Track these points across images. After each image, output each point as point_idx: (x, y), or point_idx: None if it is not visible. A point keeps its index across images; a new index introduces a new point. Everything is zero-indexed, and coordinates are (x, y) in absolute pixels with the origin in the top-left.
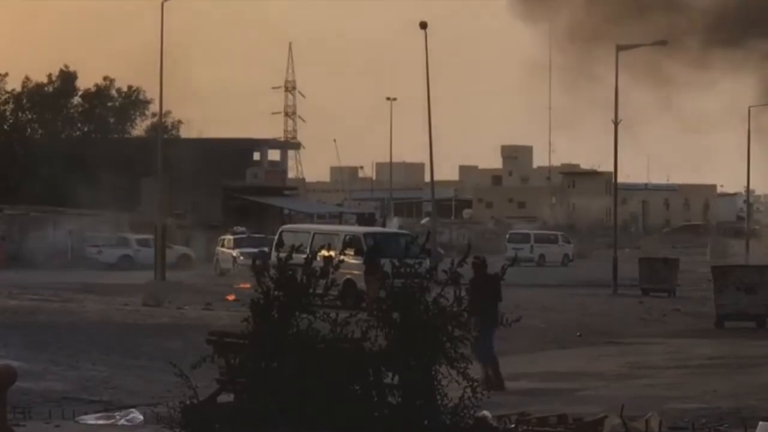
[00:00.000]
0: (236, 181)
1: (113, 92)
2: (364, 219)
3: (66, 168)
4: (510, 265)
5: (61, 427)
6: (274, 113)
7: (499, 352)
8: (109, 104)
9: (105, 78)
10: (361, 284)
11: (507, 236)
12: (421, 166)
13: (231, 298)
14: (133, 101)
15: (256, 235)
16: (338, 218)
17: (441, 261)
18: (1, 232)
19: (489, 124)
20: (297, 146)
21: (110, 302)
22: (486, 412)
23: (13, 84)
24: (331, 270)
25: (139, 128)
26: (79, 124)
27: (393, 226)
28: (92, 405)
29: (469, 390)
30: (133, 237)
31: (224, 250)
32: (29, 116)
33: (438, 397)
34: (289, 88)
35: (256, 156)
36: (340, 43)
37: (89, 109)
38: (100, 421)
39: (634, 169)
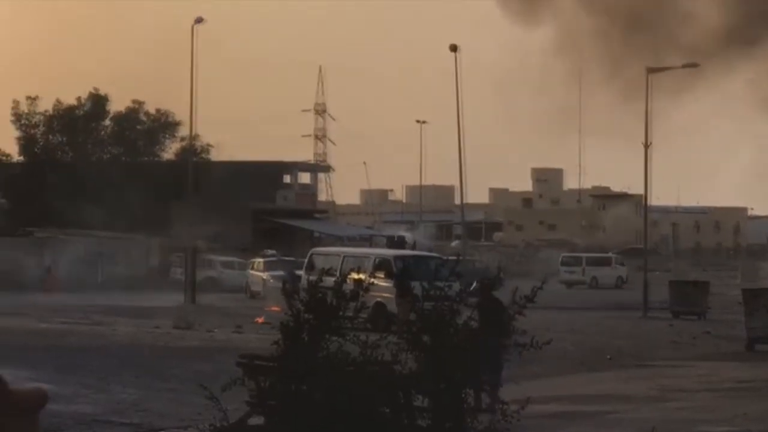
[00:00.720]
0: (267, 203)
1: (143, 115)
2: (393, 242)
3: (96, 191)
4: (539, 289)
5: None
6: (304, 136)
7: (528, 374)
8: (139, 127)
9: (134, 101)
10: (392, 307)
11: (560, 259)
12: (451, 188)
13: (260, 320)
14: (162, 124)
15: (287, 258)
16: (368, 241)
17: (501, 284)
18: (34, 256)
19: (520, 146)
20: (327, 169)
21: (141, 325)
22: None
23: (45, 106)
24: (362, 293)
25: (169, 151)
26: (109, 147)
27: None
28: (122, 428)
29: (499, 413)
30: (217, 259)
31: (254, 272)
32: (60, 139)
33: (468, 420)
34: (320, 110)
35: (287, 179)
36: (371, 66)
37: (119, 131)
38: None
39: (665, 191)
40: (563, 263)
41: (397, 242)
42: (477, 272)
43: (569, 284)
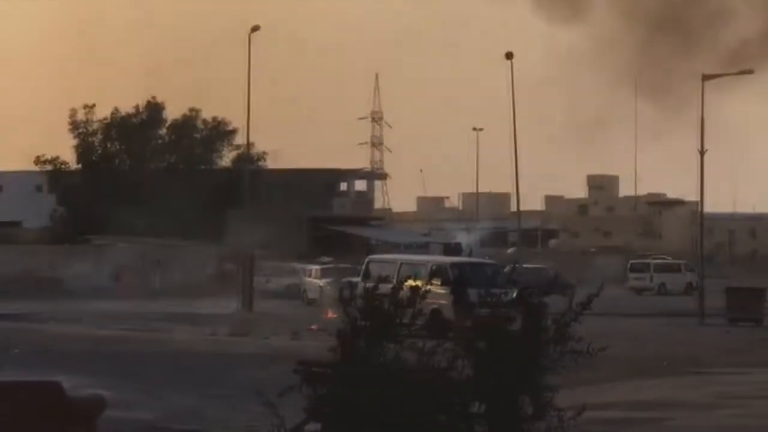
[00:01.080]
0: (323, 211)
1: (199, 123)
2: (450, 249)
3: (153, 198)
4: (595, 296)
5: None
6: (360, 144)
7: (584, 381)
8: (195, 135)
9: (191, 109)
10: (448, 313)
11: (628, 266)
12: (506, 196)
13: (314, 328)
14: (218, 132)
15: (343, 265)
16: (424, 248)
17: (574, 292)
18: (91, 263)
19: (575, 153)
20: (383, 176)
21: (197, 332)
22: None
23: (102, 115)
24: (418, 300)
25: (225, 159)
26: (165, 155)
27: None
28: None
29: (555, 419)
30: (300, 267)
31: (311, 280)
32: (117, 147)
33: (525, 427)
34: (376, 118)
35: (343, 186)
36: (427, 73)
37: (176, 140)
38: None
39: (720, 198)
40: (632, 270)
41: (454, 249)
42: (547, 280)
43: (638, 291)
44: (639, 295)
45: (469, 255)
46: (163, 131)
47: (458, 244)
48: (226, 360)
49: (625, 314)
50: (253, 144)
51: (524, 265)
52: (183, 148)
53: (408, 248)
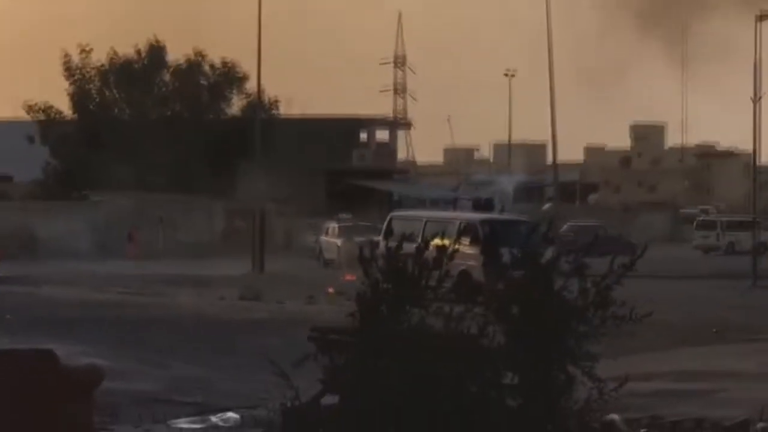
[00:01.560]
0: (341, 163)
1: (206, 68)
2: (480, 205)
3: (156, 150)
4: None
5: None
6: (382, 90)
7: (627, 349)
8: (202, 81)
9: (197, 53)
10: (478, 275)
11: (694, 224)
12: (543, 146)
13: (331, 291)
14: (228, 78)
15: (363, 223)
16: (452, 204)
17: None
18: (89, 221)
19: (618, 100)
20: (407, 125)
21: (204, 295)
22: (614, 416)
23: (99, 58)
24: (445, 260)
25: (235, 107)
26: (169, 103)
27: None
28: (184, 407)
29: (595, 391)
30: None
31: (328, 239)
32: (116, 94)
33: (562, 399)
34: (399, 62)
35: (363, 136)
36: (454, 12)
37: (180, 86)
38: (195, 425)
39: None
40: (698, 227)
41: (484, 205)
42: (610, 240)
43: (705, 250)
44: (706, 255)
45: (501, 211)
46: (166, 77)
47: (489, 200)
48: (236, 326)
49: (674, 276)
50: (264, 90)
51: (578, 223)
52: (188, 96)
53: (434, 204)
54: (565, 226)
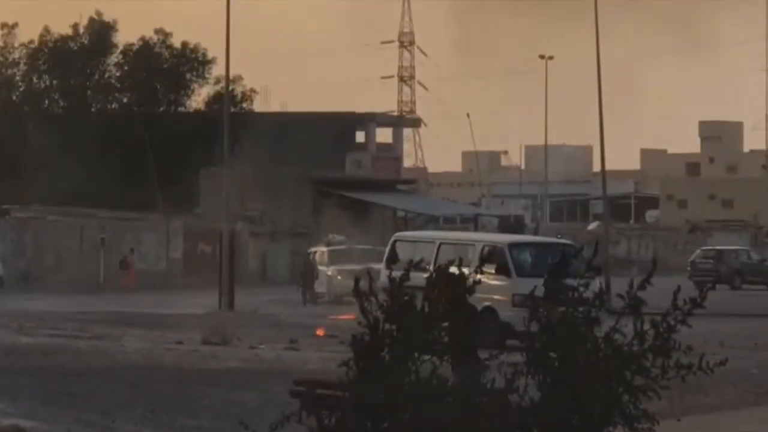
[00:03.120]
0: (332, 171)
1: (163, 51)
2: (508, 224)
3: (98, 153)
4: (710, 289)
5: None
6: (384, 78)
7: (695, 407)
8: (158, 66)
9: (156, 30)
10: (505, 314)
11: None
12: (588, 150)
13: (321, 332)
14: (189, 62)
15: (360, 247)
16: (473, 222)
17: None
18: (10, 243)
19: (682, 92)
20: (416, 123)
21: (158, 339)
22: None
23: (27, 37)
24: (465, 294)
25: (198, 99)
26: (116, 94)
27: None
28: None
29: None
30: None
31: (316, 267)
32: (48, 82)
33: None
34: (405, 43)
35: (360, 137)
36: None
37: (130, 72)
38: None
39: None
40: None
41: (514, 224)
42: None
43: None
44: None
45: (535, 232)
46: (112, 61)
47: (520, 217)
48: (198, 378)
49: (752, 314)
50: (236, 79)
51: (715, 247)
52: (140, 85)
53: (450, 222)
54: (697, 252)
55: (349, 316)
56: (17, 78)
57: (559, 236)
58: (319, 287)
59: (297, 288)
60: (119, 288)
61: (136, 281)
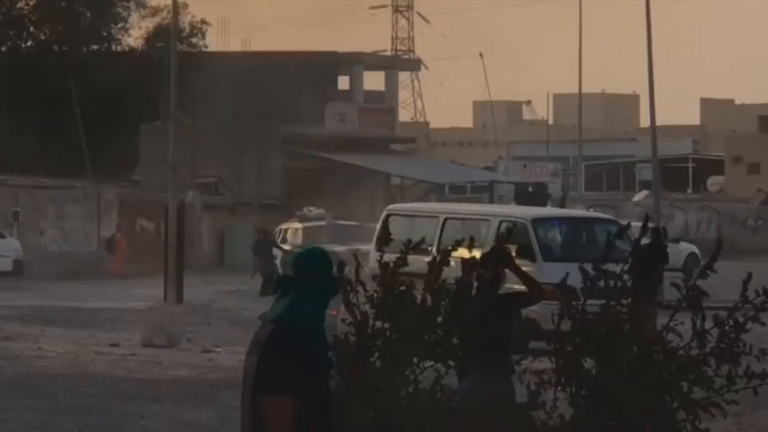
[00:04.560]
0: (308, 127)
1: None
2: (526, 193)
3: (9, 104)
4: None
5: None
6: (373, 8)
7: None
8: None
9: None
10: (529, 307)
11: None
12: (633, 99)
13: None
14: None
15: (342, 222)
16: (488, 191)
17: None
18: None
19: (753, 29)
20: (415, 65)
21: (86, 341)
22: None
23: None
24: (476, 283)
25: (136, 35)
26: (31, 29)
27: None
28: None
29: None
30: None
31: (287, 248)
32: None
33: None
34: None
35: (343, 83)
36: None
37: (48, 1)
38: None
39: None
40: None
41: (534, 194)
42: None
43: None
44: None
45: (561, 204)
46: None
47: (542, 185)
48: (137, 390)
49: None
50: (183, 6)
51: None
52: (61, 16)
53: (457, 191)
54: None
55: (331, 310)
56: None
57: (591, 209)
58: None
59: (253, 271)
60: (107, 273)
61: (123, 261)
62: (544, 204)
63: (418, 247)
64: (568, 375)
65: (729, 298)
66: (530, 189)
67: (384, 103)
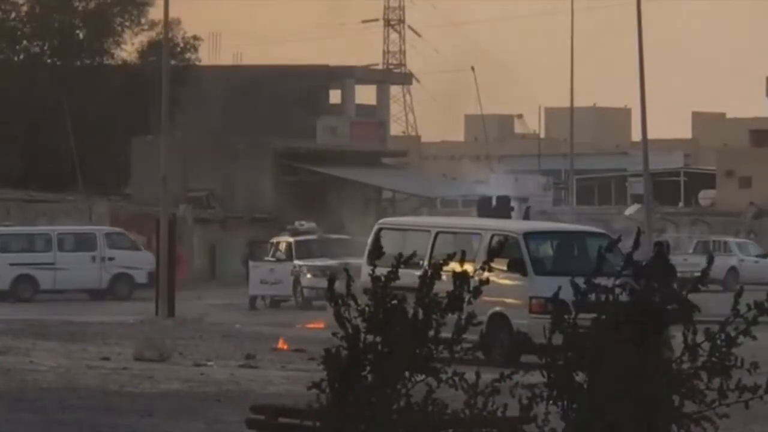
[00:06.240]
0: (299, 140)
1: None
2: (490, 207)
3: (1, 117)
4: None
5: None
6: (366, 22)
7: None
8: (78, 6)
9: None
10: (520, 321)
11: None
12: (624, 113)
13: (284, 346)
14: (119, 4)
15: (334, 236)
16: (477, 205)
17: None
18: None
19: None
20: (406, 79)
21: (78, 355)
22: None
23: None
24: (467, 297)
25: (130, 49)
26: (24, 42)
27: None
28: None
29: None
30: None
31: (278, 262)
32: None
33: None
34: None
35: (335, 97)
36: None
37: (42, 15)
38: None
39: None
40: None
41: (497, 209)
42: None
43: None
44: None
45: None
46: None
47: (505, 198)
48: (129, 404)
49: None
50: (175, 21)
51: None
52: (55, 30)
53: (448, 205)
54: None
55: (320, 324)
56: None
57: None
58: (282, 287)
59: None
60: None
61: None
62: (507, 217)
63: (410, 261)
64: (560, 389)
65: (720, 312)
66: (493, 203)
67: (375, 116)
